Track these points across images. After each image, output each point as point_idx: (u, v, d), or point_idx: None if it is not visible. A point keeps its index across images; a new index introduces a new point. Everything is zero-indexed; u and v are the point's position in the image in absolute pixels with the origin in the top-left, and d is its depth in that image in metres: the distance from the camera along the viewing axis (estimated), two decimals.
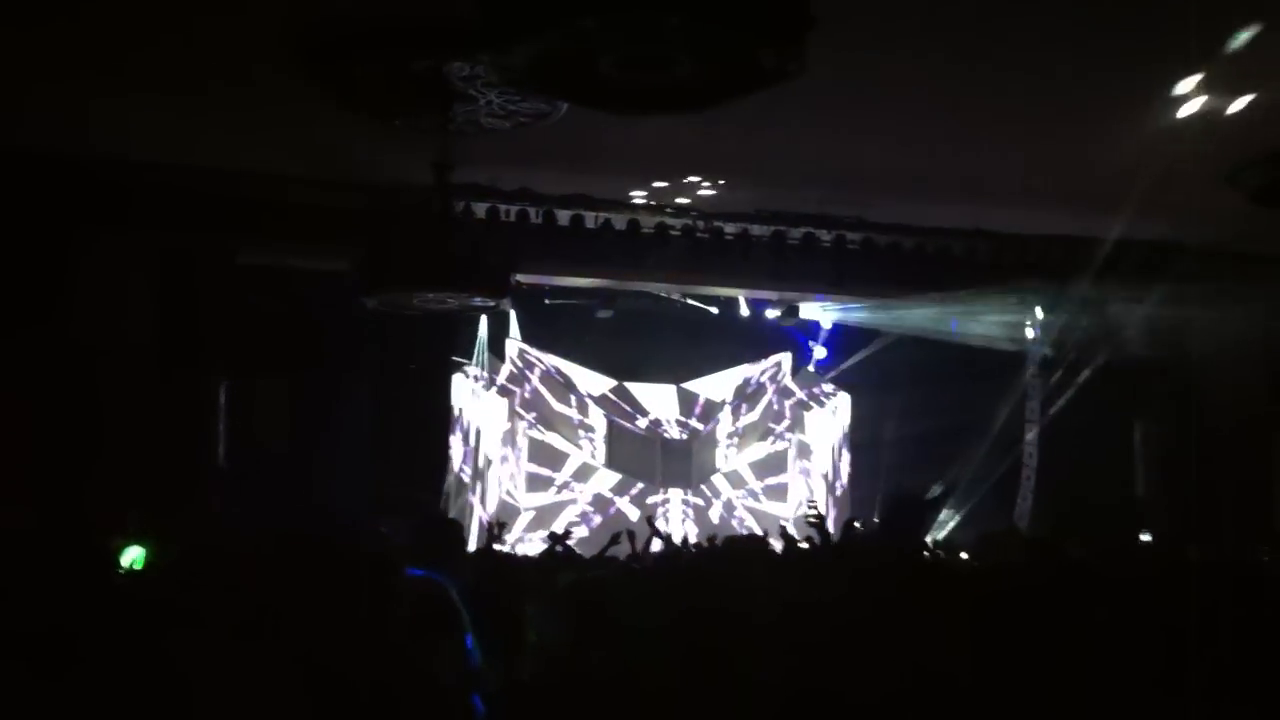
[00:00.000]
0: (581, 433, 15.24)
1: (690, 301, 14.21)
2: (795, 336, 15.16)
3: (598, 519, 14.85)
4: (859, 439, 15.25)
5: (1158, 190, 9.53)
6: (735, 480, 15.59)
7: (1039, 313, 13.82)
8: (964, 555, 10.24)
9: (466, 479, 14.18)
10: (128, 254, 10.95)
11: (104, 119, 9.34)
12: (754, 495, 15.62)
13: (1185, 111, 8.51)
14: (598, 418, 15.26)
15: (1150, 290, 12.18)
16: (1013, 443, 14.14)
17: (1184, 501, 12.63)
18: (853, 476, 15.40)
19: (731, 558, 5.79)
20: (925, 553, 6.53)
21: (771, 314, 14.34)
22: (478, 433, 14.47)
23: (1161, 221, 10.94)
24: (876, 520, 13.28)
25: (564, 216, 11.45)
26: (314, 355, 12.11)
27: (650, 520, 10.34)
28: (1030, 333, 13.96)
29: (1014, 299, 13.46)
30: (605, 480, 15.22)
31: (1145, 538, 11.81)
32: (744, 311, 14.74)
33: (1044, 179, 10.31)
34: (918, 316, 13.55)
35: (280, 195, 10.84)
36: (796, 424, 15.79)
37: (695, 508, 15.20)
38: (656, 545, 8.28)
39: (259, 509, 10.86)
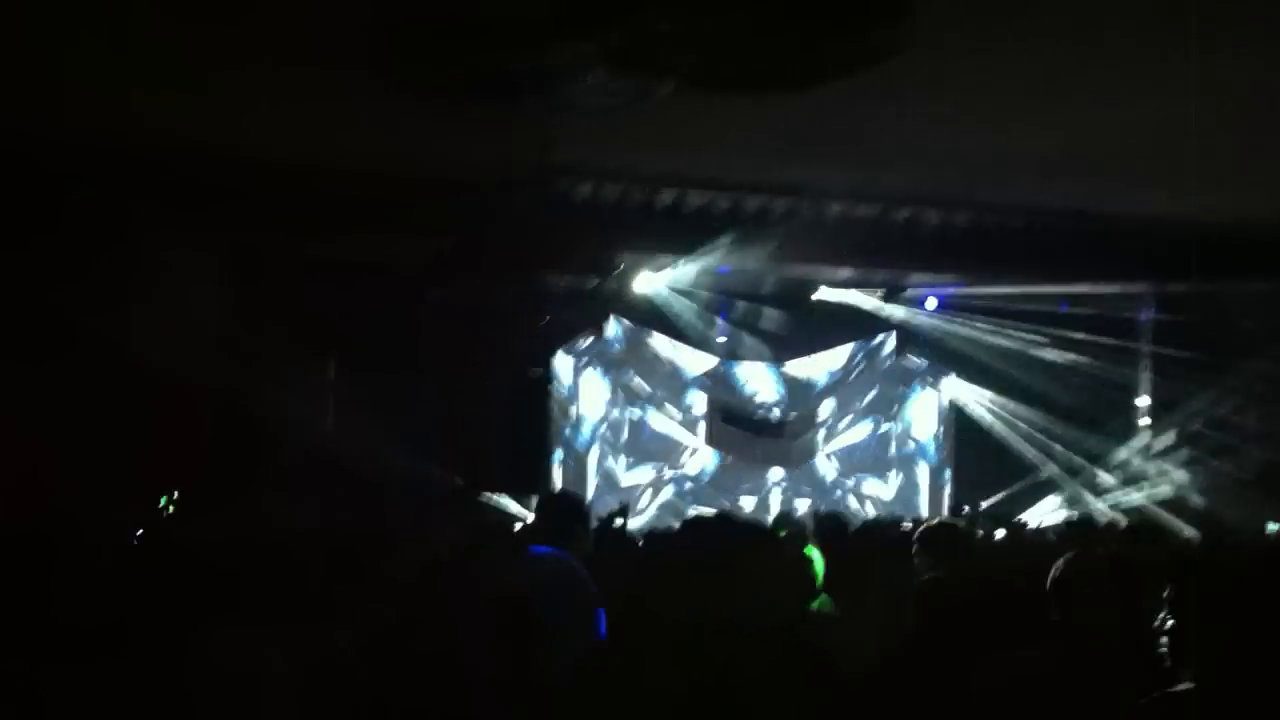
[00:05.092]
0: (682, 412, 15.26)
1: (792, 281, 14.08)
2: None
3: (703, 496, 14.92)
4: (964, 421, 15.03)
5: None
6: (836, 461, 15.50)
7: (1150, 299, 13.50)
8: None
9: (568, 457, 14.31)
10: (216, 249, 11.07)
11: (184, 112, 9.25)
12: (856, 477, 15.53)
13: None
14: (699, 397, 15.27)
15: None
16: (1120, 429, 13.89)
17: None
18: (957, 460, 15.20)
19: None
20: None
21: (876, 293, 14.17)
22: (579, 410, 14.57)
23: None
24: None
25: (666, 197, 11.42)
26: (414, 337, 12.19)
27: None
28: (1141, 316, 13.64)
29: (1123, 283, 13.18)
30: (706, 459, 15.24)
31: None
32: (848, 291, 14.58)
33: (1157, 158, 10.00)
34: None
35: (381, 180, 10.86)
36: (900, 405, 15.64)
37: (796, 489, 15.16)
38: None
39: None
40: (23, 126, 9.46)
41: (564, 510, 5.29)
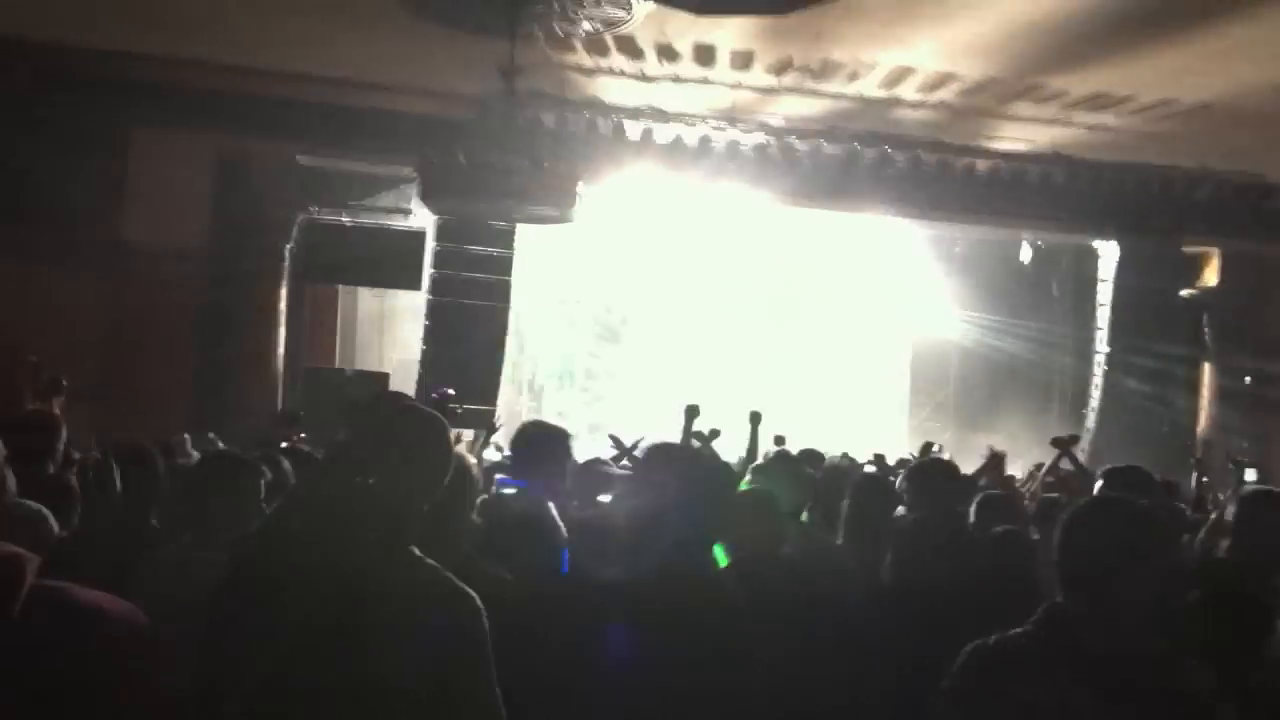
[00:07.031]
0: None
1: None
2: None
3: None
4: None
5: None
6: None
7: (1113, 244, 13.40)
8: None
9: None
10: (187, 156, 10.80)
11: (170, 17, 9.09)
12: None
13: None
14: None
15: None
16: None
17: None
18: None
19: None
20: None
21: None
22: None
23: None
24: None
25: (634, 130, 11.16)
26: (373, 263, 11.90)
27: None
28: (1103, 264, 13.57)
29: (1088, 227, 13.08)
30: None
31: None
32: None
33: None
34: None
35: (346, 100, 10.62)
36: None
37: None
38: None
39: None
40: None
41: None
